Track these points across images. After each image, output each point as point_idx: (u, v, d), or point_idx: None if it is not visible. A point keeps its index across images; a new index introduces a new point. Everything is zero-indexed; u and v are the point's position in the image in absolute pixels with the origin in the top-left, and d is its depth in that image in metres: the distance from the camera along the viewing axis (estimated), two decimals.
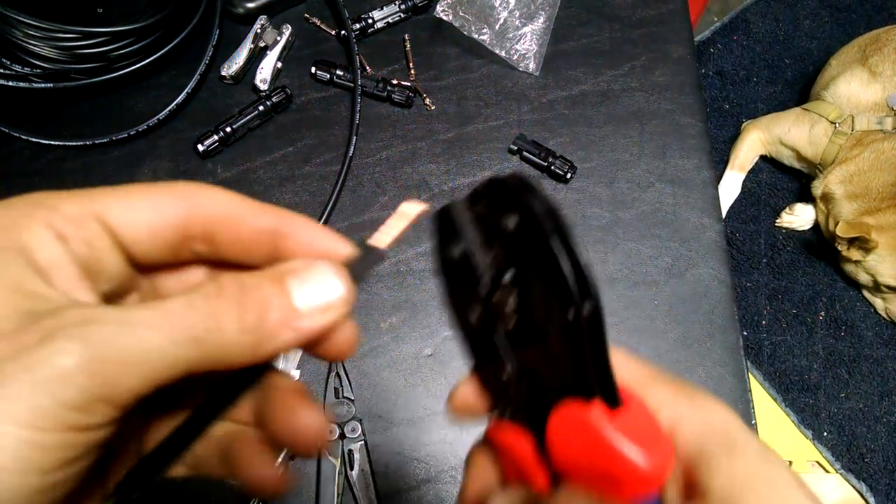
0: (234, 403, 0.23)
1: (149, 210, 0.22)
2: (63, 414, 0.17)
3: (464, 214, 0.26)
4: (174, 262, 0.24)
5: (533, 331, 0.25)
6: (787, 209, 1.58)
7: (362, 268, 0.23)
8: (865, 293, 1.53)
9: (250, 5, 0.71)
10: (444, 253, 0.26)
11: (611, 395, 0.23)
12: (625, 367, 0.25)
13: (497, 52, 0.71)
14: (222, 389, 0.23)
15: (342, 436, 0.58)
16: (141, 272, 0.24)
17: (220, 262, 0.25)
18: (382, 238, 0.24)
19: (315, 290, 0.22)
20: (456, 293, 0.27)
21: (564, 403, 0.24)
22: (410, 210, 0.25)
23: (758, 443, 0.23)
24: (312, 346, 0.23)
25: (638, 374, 0.25)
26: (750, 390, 0.63)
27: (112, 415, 0.18)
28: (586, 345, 0.23)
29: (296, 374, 0.60)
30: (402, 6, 0.71)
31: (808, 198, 1.55)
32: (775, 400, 1.48)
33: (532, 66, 0.71)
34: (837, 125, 1.43)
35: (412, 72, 0.71)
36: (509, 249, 0.25)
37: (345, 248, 0.24)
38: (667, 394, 0.24)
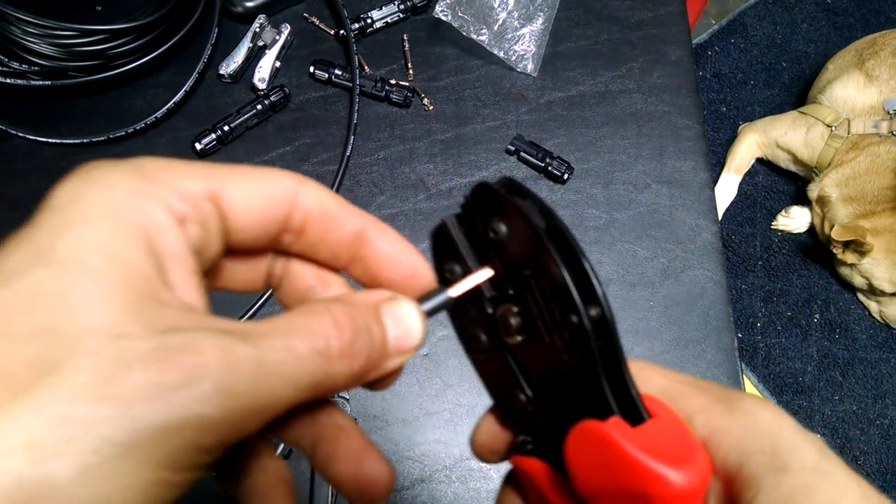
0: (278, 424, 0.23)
1: (262, 195, 0.21)
2: (194, 457, 0.17)
3: (456, 228, 0.25)
4: (253, 250, 0.23)
5: (541, 347, 0.23)
6: (782, 212, 1.59)
7: (430, 308, 0.23)
8: (860, 296, 1.54)
9: (249, 4, 0.71)
10: (444, 274, 0.25)
11: (630, 409, 0.22)
12: (654, 377, 0.23)
13: (495, 52, 0.71)
14: None
15: None
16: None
17: (287, 253, 0.24)
18: (459, 285, 0.24)
19: (404, 332, 0.21)
20: (462, 317, 0.25)
21: (580, 424, 0.22)
22: (483, 273, 0.24)
23: (813, 454, 0.20)
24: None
25: (668, 384, 0.23)
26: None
27: (221, 453, 0.18)
28: (595, 352, 0.21)
29: None
30: (401, 6, 0.72)
31: (803, 201, 1.55)
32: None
33: (530, 67, 0.72)
34: (834, 128, 1.44)
35: (410, 72, 0.71)
36: (504, 259, 0.23)
37: (425, 270, 0.24)
38: (702, 402, 0.22)
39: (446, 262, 0.25)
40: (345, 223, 0.23)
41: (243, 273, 0.24)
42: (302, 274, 0.24)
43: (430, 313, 0.23)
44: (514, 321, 0.23)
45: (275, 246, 0.23)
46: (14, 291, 0.16)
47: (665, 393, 0.23)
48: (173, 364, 0.16)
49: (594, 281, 0.21)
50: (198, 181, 0.20)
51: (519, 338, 0.23)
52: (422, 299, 0.23)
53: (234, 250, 0.22)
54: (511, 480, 0.26)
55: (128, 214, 0.18)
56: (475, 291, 0.24)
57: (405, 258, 0.23)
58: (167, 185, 0.19)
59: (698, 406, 0.22)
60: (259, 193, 0.21)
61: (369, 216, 0.23)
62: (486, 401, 0.55)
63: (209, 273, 0.23)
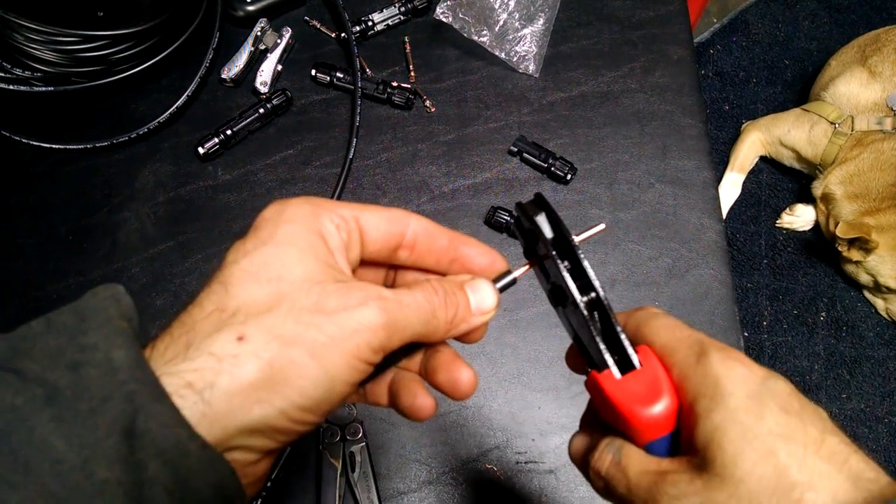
0: (409, 357, 0.34)
1: (386, 222, 0.31)
2: (367, 353, 0.27)
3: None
4: (379, 262, 0.33)
5: (570, 316, 0.32)
6: (787, 210, 1.58)
7: (502, 286, 0.33)
8: (866, 294, 1.53)
9: (250, 8, 0.71)
10: (529, 245, 0.34)
11: (623, 359, 0.30)
12: (661, 332, 0.31)
13: (497, 53, 0.71)
14: (405, 348, 0.31)
15: (343, 438, 0.58)
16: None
17: (397, 267, 0.35)
18: (515, 271, 0.34)
19: (481, 299, 0.32)
20: (546, 280, 0.34)
21: (590, 374, 0.31)
22: (526, 267, 0.34)
23: (745, 391, 0.27)
24: (463, 335, 0.33)
25: (668, 340, 0.31)
26: None
27: (381, 357, 0.28)
28: (590, 325, 0.30)
29: None
30: (402, 8, 0.72)
31: (808, 198, 1.55)
32: None
33: (532, 67, 0.72)
34: (837, 126, 1.43)
35: (412, 74, 0.71)
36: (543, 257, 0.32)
37: (501, 262, 0.34)
38: (682, 355, 0.30)
39: (529, 240, 0.34)
40: (441, 238, 0.33)
41: (370, 276, 0.35)
42: (410, 275, 0.35)
43: (503, 288, 0.33)
44: (550, 297, 0.33)
45: (394, 260, 0.33)
46: (255, 258, 0.27)
47: (664, 346, 0.31)
48: (352, 294, 0.27)
49: (588, 273, 0.30)
50: (346, 209, 0.30)
51: (560, 307, 0.33)
52: (496, 279, 0.33)
53: (366, 261, 0.32)
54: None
55: (311, 221, 0.29)
56: (543, 269, 0.33)
57: (485, 255, 0.33)
58: (329, 209, 0.29)
59: (678, 359, 0.30)
60: (384, 218, 0.31)
61: (456, 232, 0.33)
62: (489, 403, 0.56)
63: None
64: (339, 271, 0.29)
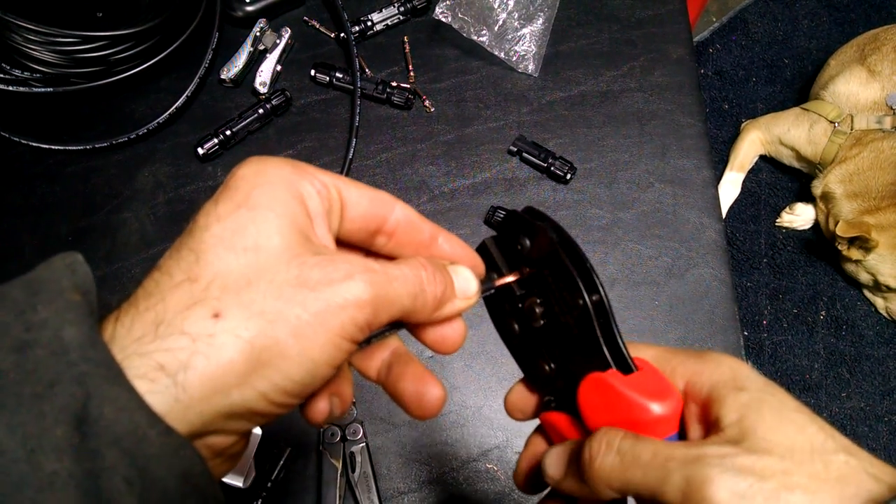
0: (384, 337, 0.32)
1: (368, 201, 0.30)
2: (352, 330, 0.25)
3: (493, 246, 0.35)
4: (353, 245, 0.32)
5: (558, 326, 0.32)
6: (787, 209, 1.58)
7: (483, 287, 0.33)
8: (866, 292, 1.53)
9: (249, 8, 0.71)
10: (486, 277, 0.34)
11: (622, 363, 0.30)
12: (646, 350, 0.32)
13: (496, 53, 0.71)
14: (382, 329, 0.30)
15: (344, 438, 0.58)
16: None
17: (369, 254, 0.33)
18: (499, 279, 0.34)
19: (463, 283, 0.31)
20: (499, 313, 0.35)
21: (588, 376, 0.31)
22: (513, 276, 0.34)
23: (761, 381, 0.28)
24: (436, 338, 0.31)
25: (656, 353, 0.32)
26: None
27: (367, 334, 0.26)
28: (596, 324, 0.30)
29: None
30: (401, 8, 0.72)
31: (807, 197, 1.55)
32: None
33: (531, 67, 0.72)
34: (837, 124, 1.43)
35: (411, 74, 0.71)
36: (529, 264, 0.33)
37: (479, 261, 0.33)
38: (680, 359, 0.31)
39: (488, 270, 0.34)
40: (423, 230, 0.31)
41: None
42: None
43: (482, 292, 0.33)
44: (538, 310, 0.33)
45: (370, 245, 0.31)
46: (229, 224, 0.25)
47: (654, 358, 0.31)
48: (336, 267, 0.25)
49: (594, 275, 0.30)
50: (328, 177, 0.28)
51: (542, 322, 0.33)
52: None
53: (340, 241, 0.30)
54: (538, 432, 0.36)
55: (291, 183, 0.26)
56: (508, 292, 0.34)
57: (466, 255, 0.33)
58: (311, 173, 0.27)
59: (678, 362, 0.31)
60: (367, 197, 0.30)
61: (438, 226, 0.32)
62: (490, 402, 0.56)
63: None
64: (319, 244, 0.27)
